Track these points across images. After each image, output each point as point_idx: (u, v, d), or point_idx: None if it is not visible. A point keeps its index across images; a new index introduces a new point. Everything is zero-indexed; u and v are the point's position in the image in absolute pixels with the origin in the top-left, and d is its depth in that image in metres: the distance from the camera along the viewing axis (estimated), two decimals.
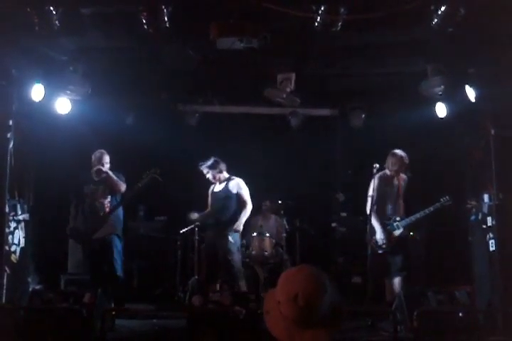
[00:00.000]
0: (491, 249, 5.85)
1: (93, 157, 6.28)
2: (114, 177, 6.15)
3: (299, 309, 1.73)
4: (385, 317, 5.74)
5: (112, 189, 6.15)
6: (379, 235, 6.07)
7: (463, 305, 5.57)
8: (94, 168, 6.17)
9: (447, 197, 6.02)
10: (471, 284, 6.23)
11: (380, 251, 6.09)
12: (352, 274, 7.20)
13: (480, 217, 6.13)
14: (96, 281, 5.92)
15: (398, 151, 6.25)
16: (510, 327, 5.30)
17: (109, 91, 6.91)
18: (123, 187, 6.19)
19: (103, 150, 6.31)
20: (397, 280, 6.08)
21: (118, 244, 6.09)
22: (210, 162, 6.46)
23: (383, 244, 6.06)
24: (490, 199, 5.98)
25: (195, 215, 6.60)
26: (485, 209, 6.02)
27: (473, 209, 6.30)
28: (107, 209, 6.13)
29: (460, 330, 5.12)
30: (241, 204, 6.45)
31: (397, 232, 6.11)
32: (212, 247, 6.39)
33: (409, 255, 6.26)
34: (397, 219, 6.13)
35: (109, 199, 6.17)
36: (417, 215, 6.10)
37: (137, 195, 6.35)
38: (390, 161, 6.24)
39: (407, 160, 6.21)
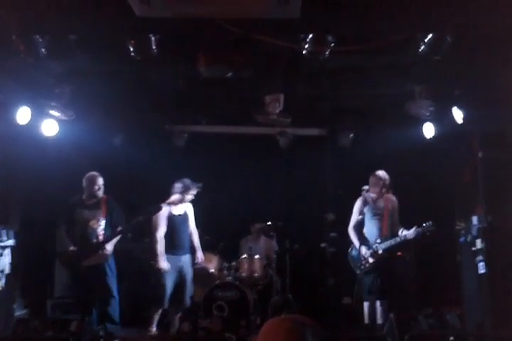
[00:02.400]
0: (480, 271, 5.85)
1: (84, 180, 6.10)
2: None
3: None
4: None
5: (107, 217, 6.01)
6: (359, 254, 6.15)
7: (454, 329, 5.56)
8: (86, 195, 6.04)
9: (430, 222, 5.90)
10: (461, 305, 6.24)
11: (357, 271, 6.14)
12: (342, 295, 7.17)
13: (469, 239, 6.13)
14: (84, 307, 5.81)
15: (379, 172, 6.28)
16: None
17: (96, 112, 6.87)
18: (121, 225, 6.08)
19: (95, 173, 6.15)
20: (377, 304, 6.08)
21: (113, 268, 6.00)
22: (188, 181, 6.34)
23: (361, 264, 6.11)
24: (479, 221, 5.98)
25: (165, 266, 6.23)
26: (474, 232, 6.02)
27: (463, 231, 6.30)
28: (101, 238, 5.94)
29: None
30: (192, 230, 6.44)
31: (375, 254, 6.10)
32: (177, 274, 6.24)
33: (392, 278, 6.18)
34: (378, 241, 6.12)
35: (102, 226, 5.97)
36: (397, 239, 6.07)
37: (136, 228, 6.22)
38: (370, 182, 6.27)
39: (387, 181, 6.22)
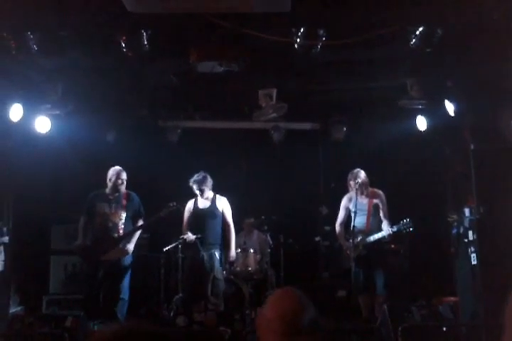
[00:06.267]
0: (473, 262, 5.90)
1: (109, 174, 6.12)
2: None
3: (285, 324, 2.08)
4: (371, 333, 5.76)
5: (128, 212, 6.06)
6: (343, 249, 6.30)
7: (446, 320, 5.61)
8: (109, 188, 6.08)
9: (408, 219, 5.93)
10: (454, 297, 6.29)
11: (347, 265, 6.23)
12: (337, 288, 7.20)
13: (461, 230, 6.17)
14: (91, 303, 5.81)
15: (355, 170, 6.31)
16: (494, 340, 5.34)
17: (88, 109, 6.86)
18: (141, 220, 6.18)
19: (119, 167, 6.19)
20: (370, 297, 6.13)
21: (128, 267, 5.97)
22: (200, 176, 6.41)
23: (347, 259, 6.22)
24: (471, 212, 6.02)
25: (190, 236, 6.38)
26: (466, 223, 6.06)
27: (455, 223, 6.34)
28: (121, 232, 5.97)
29: None
30: (226, 225, 6.52)
31: (357, 250, 6.16)
32: (199, 266, 6.33)
33: (384, 271, 6.26)
34: (360, 237, 6.19)
35: (123, 220, 5.99)
36: (375, 236, 6.14)
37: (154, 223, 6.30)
38: (348, 180, 6.33)
39: (361, 179, 6.24)
